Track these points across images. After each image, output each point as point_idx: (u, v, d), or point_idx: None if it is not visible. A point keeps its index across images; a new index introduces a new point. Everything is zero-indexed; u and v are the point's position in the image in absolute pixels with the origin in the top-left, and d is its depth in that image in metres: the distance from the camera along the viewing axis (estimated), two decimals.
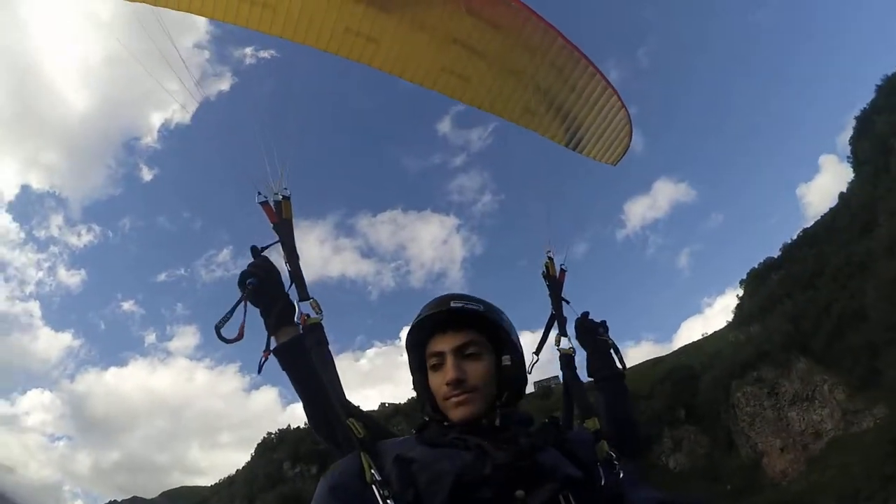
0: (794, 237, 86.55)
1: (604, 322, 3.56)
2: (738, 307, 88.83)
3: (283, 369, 2.68)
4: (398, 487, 1.98)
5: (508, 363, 2.35)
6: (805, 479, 58.91)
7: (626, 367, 3.45)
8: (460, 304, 2.33)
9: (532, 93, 4.59)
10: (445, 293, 2.44)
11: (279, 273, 2.87)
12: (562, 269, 3.80)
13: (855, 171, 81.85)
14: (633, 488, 2.35)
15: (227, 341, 2.58)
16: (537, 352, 3.43)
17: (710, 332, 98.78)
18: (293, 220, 3.13)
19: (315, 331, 2.75)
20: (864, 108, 79.11)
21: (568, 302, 3.69)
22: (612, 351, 3.49)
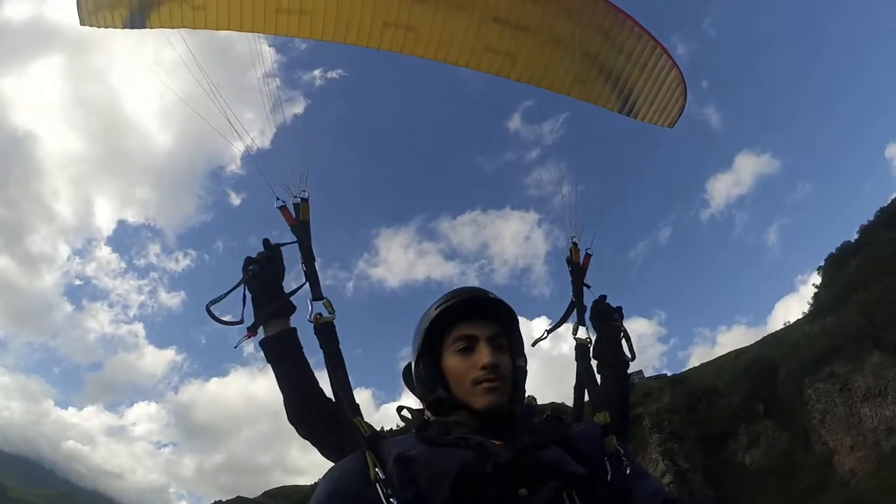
0: (873, 217, 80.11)
1: (619, 308, 3.49)
2: (815, 296, 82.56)
3: (268, 361, 2.90)
4: (399, 487, 1.91)
5: (523, 364, 2.34)
6: (874, 476, 56.98)
7: (634, 357, 3.39)
8: (495, 297, 2.30)
9: (580, 61, 4.40)
10: (466, 286, 2.50)
11: (282, 269, 3.05)
12: (587, 253, 3.66)
13: None
14: (640, 483, 2.26)
15: (218, 321, 2.89)
16: (549, 331, 3.36)
17: (792, 320, 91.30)
18: (310, 222, 3.19)
19: (326, 330, 2.77)
20: None
21: (589, 287, 3.57)
22: (623, 339, 3.42)
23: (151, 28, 4.59)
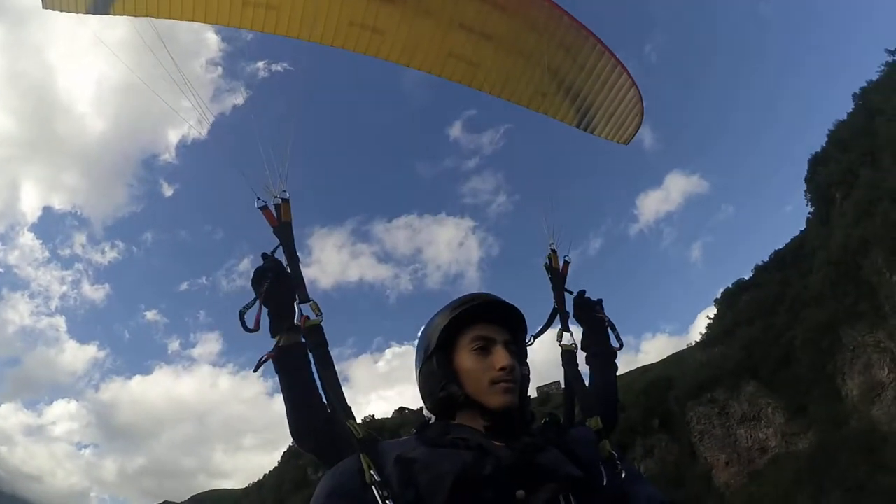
0: (767, 259, 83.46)
1: (600, 300, 3.45)
2: (708, 326, 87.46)
3: (277, 372, 2.72)
4: (398, 488, 1.88)
5: (527, 373, 2.33)
6: (745, 489, 62.84)
7: (622, 346, 3.35)
8: (513, 305, 2.30)
9: (542, 74, 4.29)
10: (481, 291, 2.36)
11: (289, 278, 2.85)
12: (565, 260, 3.58)
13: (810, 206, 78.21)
14: (636, 488, 2.26)
15: (248, 330, 2.70)
16: (535, 336, 3.20)
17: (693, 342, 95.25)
18: (292, 223, 3.03)
19: (315, 333, 2.62)
20: (817, 152, 74.86)
21: (571, 293, 3.51)
22: (608, 329, 3.40)
23: (115, 15, 4.37)
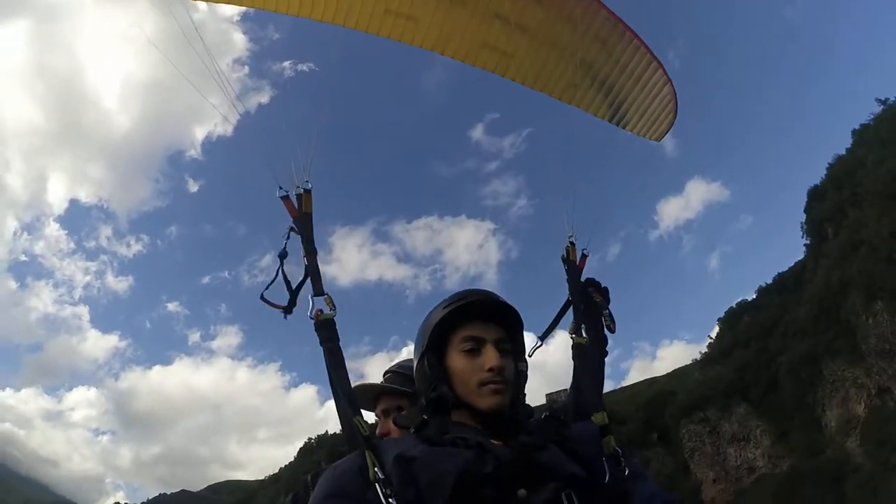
0: (770, 281, 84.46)
1: (605, 288, 3.30)
2: (709, 346, 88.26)
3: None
4: (399, 487, 1.84)
5: (524, 370, 2.26)
6: None
7: (614, 331, 3.19)
8: (505, 301, 2.22)
9: (575, 67, 4.14)
10: (474, 288, 2.28)
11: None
12: (583, 254, 3.46)
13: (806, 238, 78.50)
14: (638, 485, 2.18)
15: (273, 305, 2.73)
16: (542, 337, 3.15)
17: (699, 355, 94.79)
18: (312, 214, 2.94)
19: (327, 327, 2.54)
20: (816, 185, 75.22)
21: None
22: (604, 317, 3.23)
23: None
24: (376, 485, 1.86)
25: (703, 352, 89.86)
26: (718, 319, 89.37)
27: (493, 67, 4.34)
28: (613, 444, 2.28)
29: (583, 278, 3.40)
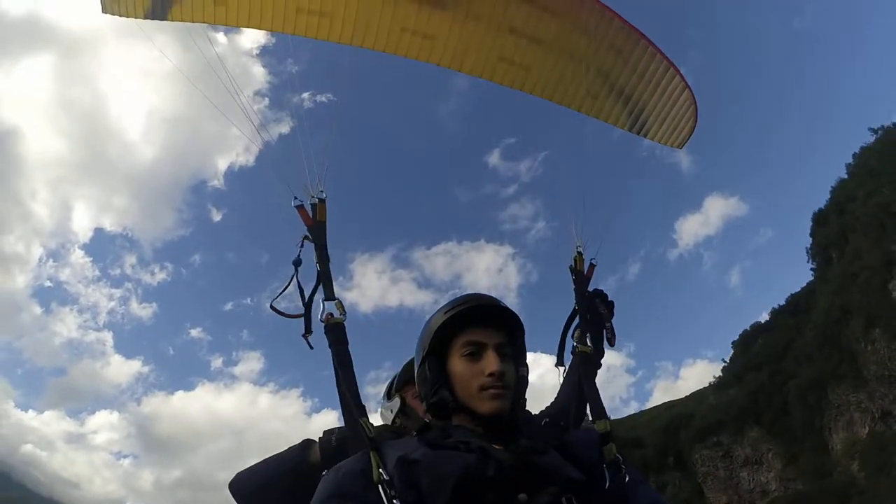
0: (784, 302, 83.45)
1: (612, 302, 3.27)
2: (723, 369, 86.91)
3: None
4: (401, 489, 1.83)
5: (525, 374, 2.27)
6: None
7: (613, 346, 3.19)
8: (506, 306, 2.24)
9: (593, 77, 4.10)
10: (476, 292, 2.31)
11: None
12: (591, 263, 3.43)
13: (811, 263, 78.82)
14: (639, 492, 2.16)
15: (285, 315, 2.80)
16: (559, 362, 3.15)
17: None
18: (326, 223, 2.98)
19: (337, 330, 2.59)
20: (820, 209, 75.21)
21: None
22: (605, 331, 3.21)
23: (172, 20, 4.35)
24: (379, 486, 1.86)
25: (716, 375, 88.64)
26: (732, 343, 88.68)
27: (511, 81, 4.29)
28: (615, 450, 2.25)
29: (591, 288, 3.36)
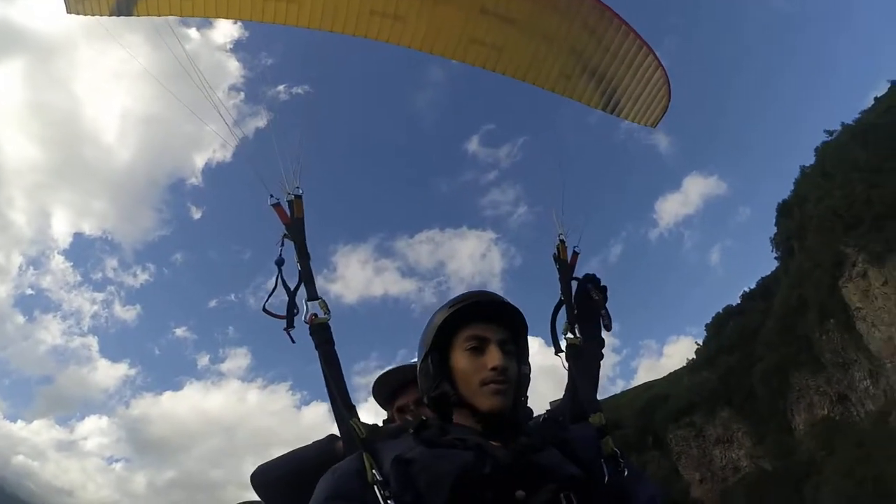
0: (754, 286, 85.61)
1: (604, 287, 3.13)
2: (696, 352, 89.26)
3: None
4: (397, 489, 1.80)
5: (527, 372, 2.24)
6: None
7: (610, 330, 3.04)
8: (510, 303, 2.22)
9: (566, 57, 3.99)
10: (479, 289, 2.28)
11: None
12: (574, 251, 3.32)
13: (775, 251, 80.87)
14: (638, 487, 2.16)
15: (277, 316, 2.66)
16: (557, 351, 2.95)
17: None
18: (304, 219, 2.86)
19: (322, 330, 2.49)
20: (785, 200, 76.35)
21: (579, 280, 3.22)
22: (601, 313, 3.06)
23: (138, 15, 4.16)
24: (374, 487, 1.82)
25: (689, 358, 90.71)
26: (706, 325, 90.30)
27: (483, 63, 4.17)
28: (612, 445, 2.23)
29: (577, 275, 3.24)
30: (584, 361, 2.90)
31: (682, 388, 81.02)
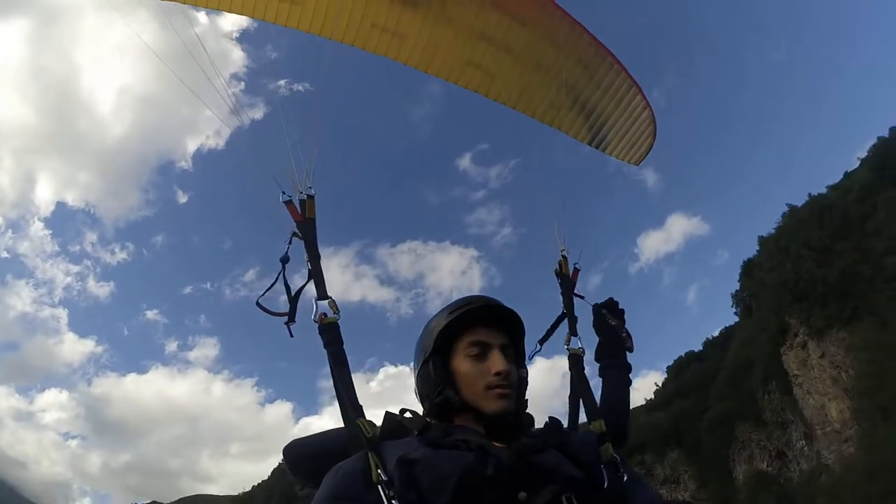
0: (717, 333, 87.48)
1: (622, 310, 3.18)
2: (655, 392, 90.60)
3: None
4: (401, 489, 1.78)
5: (525, 376, 2.24)
6: None
7: (633, 351, 3.06)
8: (509, 308, 2.21)
9: (558, 89, 3.98)
10: (479, 294, 2.26)
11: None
12: (575, 267, 3.38)
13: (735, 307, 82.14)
14: (638, 491, 2.13)
15: (272, 313, 2.60)
16: (542, 342, 3.05)
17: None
18: (316, 220, 2.82)
19: (331, 330, 2.43)
20: (750, 259, 76.39)
21: (582, 297, 3.25)
22: (622, 336, 3.10)
23: None
24: (379, 487, 1.81)
25: (647, 398, 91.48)
26: (667, 368, 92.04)
27: (477, 86, 4.17)
28: (611, 451, 2.20)
29: (577, 289, 3.29)
30: (615, 390, 2.92)
31: (637, 426, 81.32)
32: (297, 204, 2.82)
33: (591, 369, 3.01)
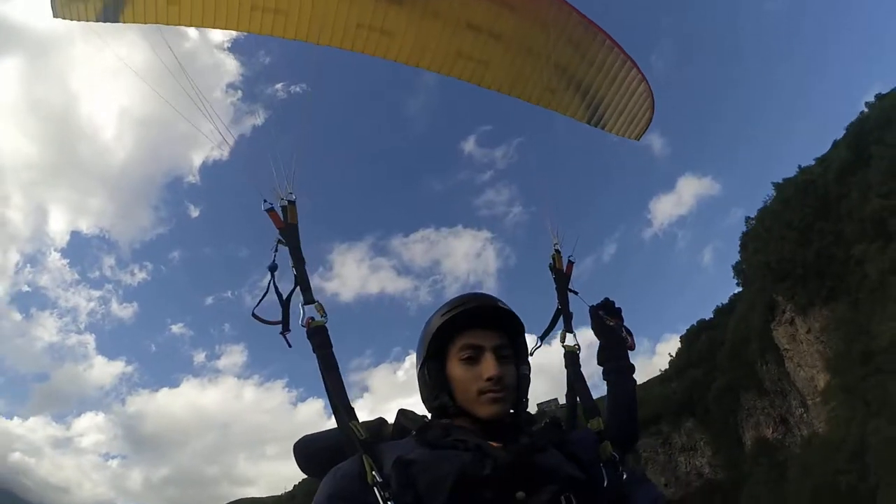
0: (727, 301, 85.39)
1: (618, 309, 3.10)
2: (670, 363, 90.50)
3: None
4: (398, 490, 1.75)
5: (527, 373, 2.19)
6: None
7: (634, 349, 2.99)
8: (503, 306, 2.12)
9: (550, 71, 3.86)
10: (473, 292, 2.19)
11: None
12: (569, 261, 3.25)
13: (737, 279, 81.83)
14: (638, 489, 2.11)
15: (266, 322, 2.56)
16: (542, 338, 3.00)
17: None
18: (298, 225, 2.79)
19: (319, 334, 2.39)
20: (747, 231, 75.46)
21: (576, 293, 3.14)
22: (622, 336, 3.02)
23: (124, 22, 4.00)
24: (375, 488, 1.78)
25: (662, 369, 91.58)
26: (681, 337, 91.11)
27: (469, 77, 4.04)
28: (610, 449, 2.15)
29: (572, 286, 3.16)
30: (621, 392, 2.85)
31: (653, 397, 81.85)
32: (278, 210, 2.76)
33: (589, 369, 2.95)
